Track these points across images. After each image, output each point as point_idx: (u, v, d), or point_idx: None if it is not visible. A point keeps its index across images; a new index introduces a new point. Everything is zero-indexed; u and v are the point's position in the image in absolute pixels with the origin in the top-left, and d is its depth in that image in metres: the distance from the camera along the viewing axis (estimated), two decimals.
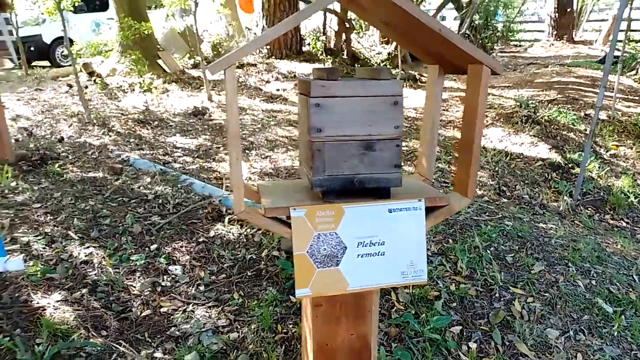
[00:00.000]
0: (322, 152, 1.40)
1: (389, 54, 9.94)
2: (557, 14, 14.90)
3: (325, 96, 1.36)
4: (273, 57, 9.79)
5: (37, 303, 2.44)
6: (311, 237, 1.43)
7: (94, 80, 8.16)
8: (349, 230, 1.44)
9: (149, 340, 2.26)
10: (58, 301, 2.46)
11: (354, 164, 1.43)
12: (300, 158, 1.69)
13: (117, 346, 2.18)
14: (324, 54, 9.80)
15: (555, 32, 15.01)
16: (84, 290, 2.55)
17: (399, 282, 1.50)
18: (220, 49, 10.04)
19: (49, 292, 2.53)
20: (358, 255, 1.45)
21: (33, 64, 11.53)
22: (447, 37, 1.33)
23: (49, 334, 2.18)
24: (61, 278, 2.65)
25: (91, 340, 2.21)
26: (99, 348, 2.17)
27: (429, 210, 1.50)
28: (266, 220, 1.44)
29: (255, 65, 9.36)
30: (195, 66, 9.44)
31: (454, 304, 2.53)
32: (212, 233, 3.19)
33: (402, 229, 1.47)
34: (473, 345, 2.24)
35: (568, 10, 14.79)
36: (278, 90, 8.11)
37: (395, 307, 2.47)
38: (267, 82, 8.58)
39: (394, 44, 10.33)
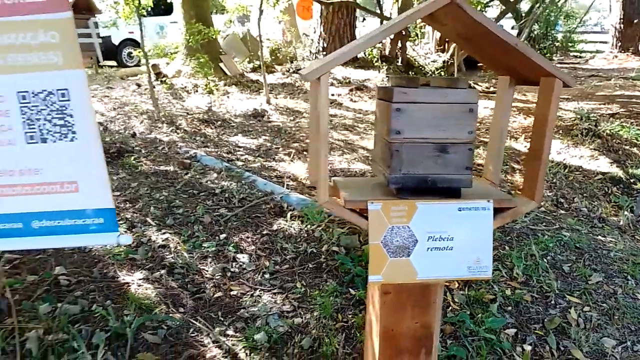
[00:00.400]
0: (400, 153, 1.55)
1: (444, 62, 9.93)
2: (622, 25, 14.29)
3: (406, 102, 1.51)
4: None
5: (123, 279, 2.72)
6: (385, 229, 1.58)
7: (161, 81, 8.68)
8: (420, 225, 1.58)
9: (222, 319, 2.48)
10: (140, 279, 2.73)
11: (429, 164, 1.56)
12: (374, 157, 1.85)
13: (194, 322, 2.42)
14: (379, 61, 9.92)
15: (619, 44, 14.40)
16: (163, 271, 2.81)
17: (465, 276, 1.62)
18: (278, 55, 10.39)
19: (132, 271, 2.81)
20: (428, 248, 1.59)
21: (101, 63, 12.36)
22: (523, 51, 1.45)
23: (135, 307, 2.44)
24: (142, 259, 2.93)
25: (171, 315, 2.45)
26: (177, 322, 2.41)
27: (497, 212, 1.62)
28: (345, 211, 1.60)
29: None
30: (254, 70, 9.83)
31: (509, 308, 2.59)
32: (275, 227, 3.41)
33: (470, 227, 1.59)
34: (528, 348, 2.31)
35: (635, 21, 14.15)
36: (333, 95, 8.31)
37: (450, 307, 2.57)
38: None
39: (450, 52, 10.32)
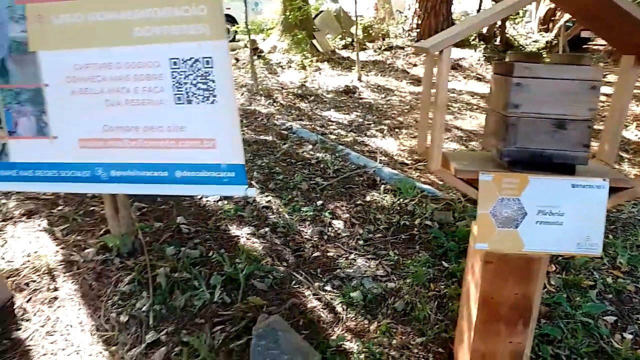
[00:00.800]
0: (516, 127, 1.59)
1: (547, 42, 9.31)
2: None
3: (527, 77, 1.54)
4: (422, 40, 9.81)
5: (233, 233, 3.03)
6: (495, 200, 1.64)
7: (258, 56, 9.08)
8: (531, 199, 1.62)
9: (320, 276, 2.69)
10: (248, 234, 3.02)
11: (545, 139, 1.59)
12: (486, 131, 1.90)
13: (297, 275, 2.65)
14: (476, 39, 9.54)
15: None
16: (267, 229, 3.08)
17: (573, 252, 1.64)
18: (370, 32, 10.36)
19: (241, 226, 3.11)
20: (537, 222, 1.63)
21: None
22: None
23: (245, 257, 2.72)
24: (249, 217, 3.23)
25: (275, 267, 2.71)
26: (281, 274, 2.65)
27: (611, 191, 1.61)
28: (456, 180, 1.69)
29: (403, 48, 9.52)
30: (345, 47, 9.91)
31: (610, 296, 2.53)
32: (368, 198, 3.55)
33: (583, 204, 1.60)
34: (628, 336, 2.25)
35: None
36: None
37: (546, 289, 2.56)
38: (414, 65, 8.70)
39: (554, 32, 9.63)
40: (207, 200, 3.41)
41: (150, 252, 2.69)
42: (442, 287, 2.60)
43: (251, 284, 2.54)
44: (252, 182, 3.69)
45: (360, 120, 5.67)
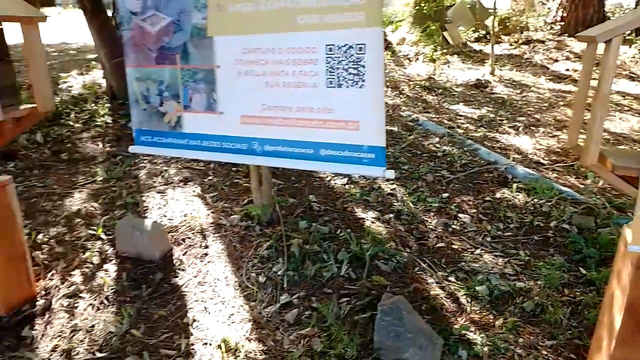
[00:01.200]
0: None
1: None
2: None
3: None
4: (566, 34, 9.01)
5: (359, 215, 3.16)
6: None
7: (386, 48, 9.13)
8: None
9: (443, 266, 2.70)
10: (373, 217, 3.13)
11: None
12: None
13: (420, 262, 2.70)
14: (632, 34, 8.49)
15: None
16: (391, 215, 3.16)
17: None
18: (507, 24, 9.78)
19: (366, 210, 3.23)
20: None
21: None
22: None
23: (371, 238, 2.84)
24: (374, 202, 3.34)
25: (399, 251, 2.78)
26: (405, 259, 2.72)
27: None
28: (613, 176, 1.60)
29: (543, 42, 8.84)
30: (478, 40, 9.50)
31: None
32: (497, 195, 3.43)
33: None
34: None
35: None
36: (567, 70, 7.53)
37: None
38: (556, 60, 8.03)
39: None
40: (335, 183, 3.60)
41: (285, 223, 2.93)
42: (578, 293, 2.44)
43: (375, 264, 2.65)
44: None
45: (492, 115, 5.44)
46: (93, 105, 4.96)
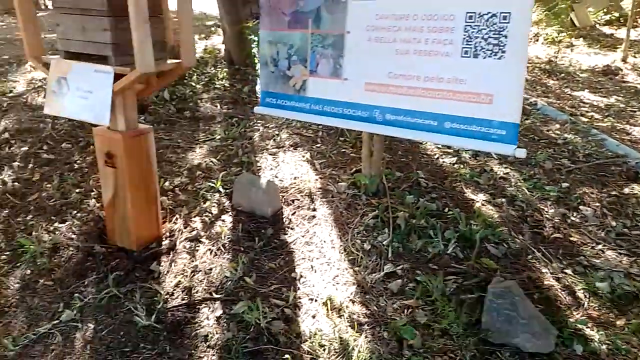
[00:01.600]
0: None
1: None
2: None
3: None
4: None
5: (469, 196, 3.06)
6: None
7: None
8: None
9: (559, 257, 2.54)
10: (484, 200, 3.02)
11: None
12: None
13: (534, 250, 2.56)
14: None
15: None
16: (503, 200, 3.02)
17: None
18: None
19: (476, 192, 3.12)
20: None
21: None
22: None
23: (481, 220, 2.74)
24: (485, 184, 3.21)
25: (513, 237, 2.66)
26: (517, 246, 2.60)
27: None
28: None
29: None
30: (609, 23, 8.57)
31: None
32: (626, 190, 3.13)
33: None
34: None
35: None
36: None
37: None
38: None
39: None
40: (444, 161, 3.51)
41: (391, 196, 2.94)
42: None
43: (484, 247, 2.56)
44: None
45: (622, 105, 4.92)
46: (212, 69, 5.28)
